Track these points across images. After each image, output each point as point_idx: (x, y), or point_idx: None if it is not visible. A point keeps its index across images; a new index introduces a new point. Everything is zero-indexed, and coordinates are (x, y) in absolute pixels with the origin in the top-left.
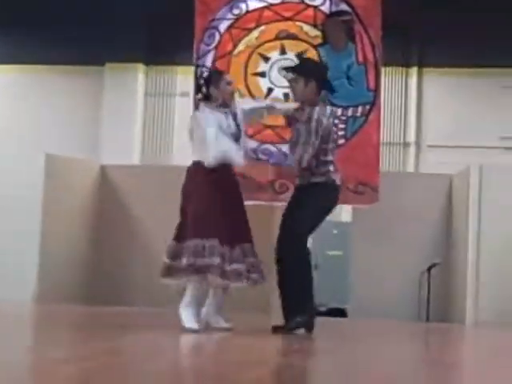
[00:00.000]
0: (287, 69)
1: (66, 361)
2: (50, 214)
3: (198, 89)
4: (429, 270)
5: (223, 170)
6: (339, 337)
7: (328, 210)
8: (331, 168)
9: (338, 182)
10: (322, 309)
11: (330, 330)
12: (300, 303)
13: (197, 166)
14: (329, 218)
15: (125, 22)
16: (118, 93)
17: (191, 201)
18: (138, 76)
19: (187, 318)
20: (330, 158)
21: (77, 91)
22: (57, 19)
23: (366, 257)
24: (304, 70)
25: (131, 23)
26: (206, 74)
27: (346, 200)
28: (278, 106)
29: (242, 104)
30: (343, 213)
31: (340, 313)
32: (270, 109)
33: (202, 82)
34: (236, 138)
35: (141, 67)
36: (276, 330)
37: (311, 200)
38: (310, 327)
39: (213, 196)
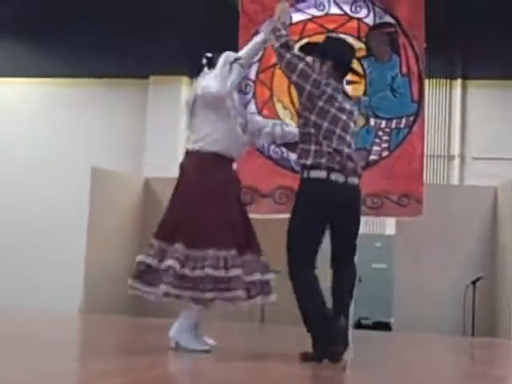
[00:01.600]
0: (303, 48)
1: (111, 373)
2: (95, 226)
3: None
4: (474, 283)
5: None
6: (384, 350)
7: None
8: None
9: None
10: (367, 322)
11: (374, 343)
12: (313, 335)
13: (219, 159)
14: (372, 230)
15: (169, 35)
16: (162, 105)
17: (214, 201)
18: (182, 88)
19: (192, 341)
20: (312, 146)
21: (121, 104)
22: (102, 32)
23: (410, 270)
24: (319, 50)
25: (175, 36)
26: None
27: (389, 212)
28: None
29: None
30: (387, 225)
31: (384, 326)
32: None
33: None
34: (243, 127)
35: (185, 80)
36: (304, 357)
37: (294, 206)
38: (333, 357)
39: (238, 201)
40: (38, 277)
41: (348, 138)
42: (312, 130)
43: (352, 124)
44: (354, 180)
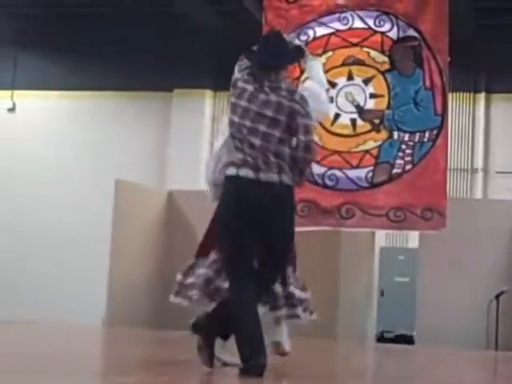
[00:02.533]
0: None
1: None
2: (118, 238)
3: None
4: (497, 297)
5: None
6: (406, 364)
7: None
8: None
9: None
10: (389, 335)
11: (396, 356)
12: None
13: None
14: (396, 243)
15: (193, 49)
16: (186, 118)
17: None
18: (206, 101)
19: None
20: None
21: (145, 117)
22: (127, 46)
23: (434, 283)
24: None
25: (199, 50)
26: None
27: (413, 226)
28: None
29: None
30: (410, 239)
31: (407, 339)
32: None
33: None
34: None
35: (208, 93)
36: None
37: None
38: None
39: None
40: (61, 290)
41: (264, 130)
42: (231, 129)
43: (282, 117)
44: (269, 176)
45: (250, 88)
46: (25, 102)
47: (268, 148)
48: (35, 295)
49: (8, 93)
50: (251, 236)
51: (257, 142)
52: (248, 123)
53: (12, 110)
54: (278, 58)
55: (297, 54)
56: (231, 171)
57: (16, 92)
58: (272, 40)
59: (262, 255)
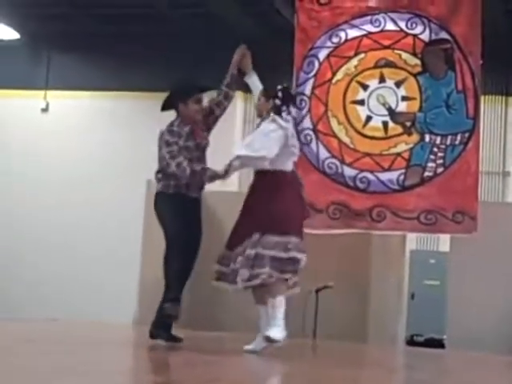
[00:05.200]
0: None
1: None
2: (150, 238)
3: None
4: None
5: None
6: (436, 368)
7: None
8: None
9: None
10: (419, 339)
11: (427, 361)
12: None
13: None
14: (426, 247)
15: (225, 51)
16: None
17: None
18: (237, 103)
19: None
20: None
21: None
22: (155, 46)
23: (464, 287)
24: None
25: (231, 51)
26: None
27: (444, 229)
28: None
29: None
30: (441, 242)
31: (437, 343)
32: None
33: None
34: None
35: (240, 94)
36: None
37: None
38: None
39: None
40: (91, 288)
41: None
42: None
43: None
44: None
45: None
46: (58, 102)
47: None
48: (67, 293)
49: (41, 93)
50: None
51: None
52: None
53: (45, 110)
54: None
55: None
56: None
57: (49, 92)
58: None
59: None
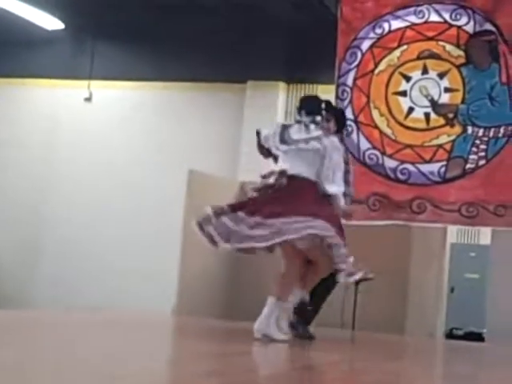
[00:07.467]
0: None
1: (208, 374)
2: (190, 228)
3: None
4: None
5: None
6: (476, 362)
7: None
8: None
9: None
10: (458, 332)
11: (466, 354)
12: None
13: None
14: (467, 240)
15: (267, 41)
16: (259, 110)
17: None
18: (279, 94)
19: (275, 331)
20: None
21: (218, 108)
22: (201, 37)
23: (505, 281)
24: None
25: (273, 42)
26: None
27: (485, 222)
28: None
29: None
30: (482, 235)
31: (477, 337)
32: None
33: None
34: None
35: (282, 85)
36: None
37: None
38: None
39: None
40: (132, 278)
41: None
42: None
43: None
44: None
45: None
46: (101, 92)
47: None
48: (106, 282)
49: (85, 83)
50: None
51: None
52: None
53: (88, 99)
54: None
55: None
56: None
57: (93, 82)
58: None
59: None
